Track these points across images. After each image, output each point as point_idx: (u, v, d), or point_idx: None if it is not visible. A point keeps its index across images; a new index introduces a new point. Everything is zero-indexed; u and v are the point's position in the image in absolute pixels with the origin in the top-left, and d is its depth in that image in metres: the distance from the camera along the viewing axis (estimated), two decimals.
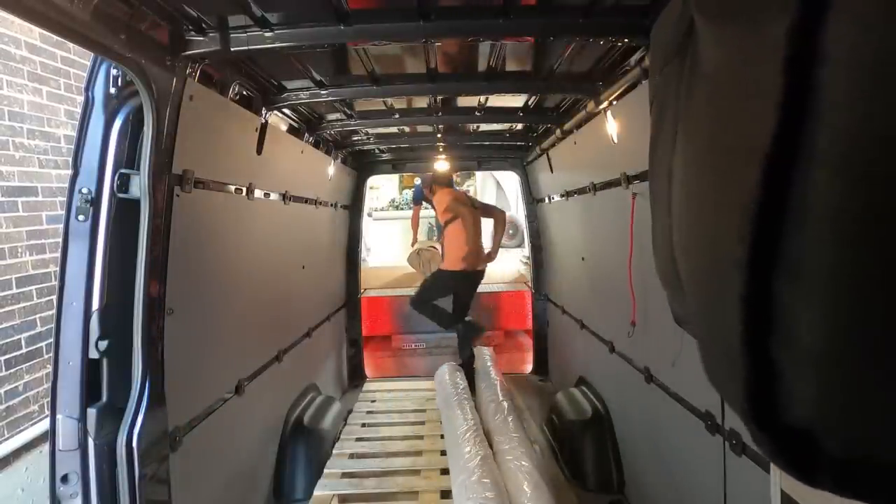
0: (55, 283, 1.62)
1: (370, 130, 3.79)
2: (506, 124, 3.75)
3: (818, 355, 0.61)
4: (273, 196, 2.82)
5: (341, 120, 3.30)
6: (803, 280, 0.61)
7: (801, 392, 0.64)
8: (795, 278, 0.62)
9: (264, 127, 2.47)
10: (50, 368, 1.59)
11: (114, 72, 1.59)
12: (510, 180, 8.71)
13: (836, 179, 0.56)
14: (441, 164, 5.04)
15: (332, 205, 4.14)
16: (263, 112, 2.47)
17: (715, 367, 0.84)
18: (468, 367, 4.20)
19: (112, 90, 1.61)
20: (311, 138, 3.30)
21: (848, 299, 0.58)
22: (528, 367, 5.11)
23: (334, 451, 3.13)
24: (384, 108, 3.10)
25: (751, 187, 0.63)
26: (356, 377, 4.84)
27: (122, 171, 1.62)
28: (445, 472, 2.82)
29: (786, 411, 0.66)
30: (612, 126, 2.46)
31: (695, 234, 0.85)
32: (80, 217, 1.58)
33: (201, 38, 1.73)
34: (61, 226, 1.60)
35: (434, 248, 5.19)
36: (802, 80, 0.58)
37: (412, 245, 6.23)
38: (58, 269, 1.60)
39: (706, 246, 0.80)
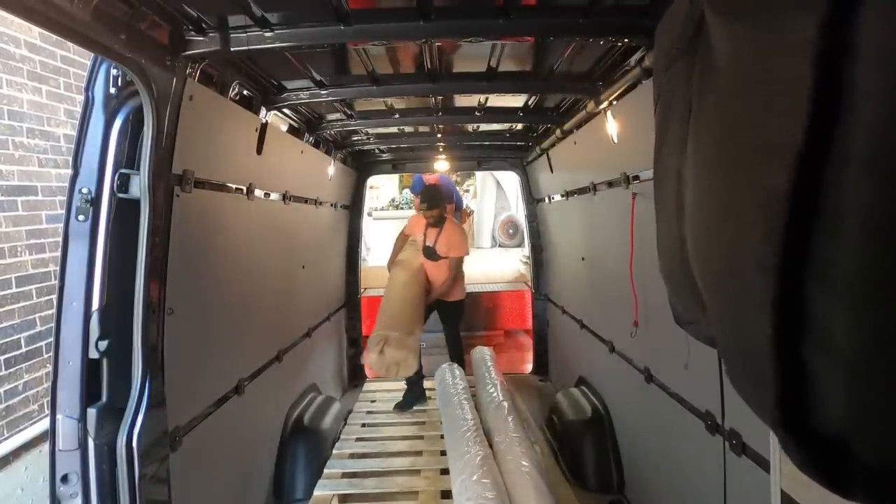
0: (55, 282, 1.62)
1: (370, 130, 3.79)
2: (506, 124, 3.75)
3: (853, 359, 0.58)
4: (273, 196, 2.82)
5: (341, 120, 3.30)
6: (836, 281, 0.59)
7: (834, 398, 0.61)
8: (828, 280, 0.59)
9: (264, 127, 2.47)
10: (50, 368, 1.59)
11: (114, 72, 1.59)
12: (510, 180, 8.71)
13: (871, 176, 0.54)
14: (441, 164, 5.04)
15: (332, 205, 4.14)
16: (263, 112, 2.46)
17: (738, 371, 0.81)
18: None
19: (112, 90, 1.61)
20: (311, 138, 3.30)
21: (884, 300, 0.55)
22: (528, 367, 5.11)
23: (334, 451, 3.13)
24: (384, 108, 3.10)
25: (778, 186, 0.61)
26: (356, 377, 4.84)
27: (122, 171, 1.62)
28: (445, 472, 2.82)
29: (817, 418, 0.63)
30: (612, 126, 2.46)
31: (713, 235, 0.83)
32: (80, 217, 1.58)
33: (201, 38, 1.73)
34: (61, 225, 1.60)
35: (407, 339, 3.34)
36: (832, 76, 0.56)
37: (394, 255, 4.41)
38: (58, 268, 1.60)
39: (726, 247, 0.77)
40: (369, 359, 3.27)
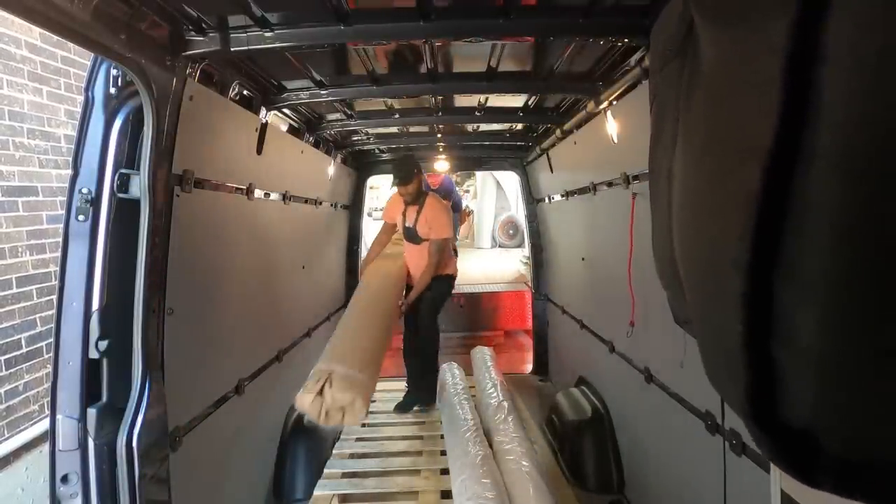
0: (55, 282, 1.62)
1: (370, 130, 3.79)
2: (506, 124, 3.75)
3: (817, 355, 0.61)
4: (273, 196, 2.82)
5: (341, 120, 3.30)
6: (802, 279, 0.61)
7: (800, 392, 0.64)
8: (794, 277, 0.61)
9: (264, 127, 2.47)
10: (50, 368, 1.59)
11: (114, 72, 1.59)
12: (510, 180, 8.71)
13: (836, 178, 0.56)
14: (441, 164, 5.04)
15: (332, 205, 4.14)
16: (263, 112, 2.47)
17: (715, 366, 0.84)
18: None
19: (112, 90, 1.61)
20: (311, 138, 3.30)
21: (847, 298, 0.57)
22: (528, 367, 5.11)
23: (334, 451, 3.13)
24: (384, 108, 3.10)
25: (750, 185, 0.63)
26: None
27: (122, 171, 1.62)
28: (445, 472, 2.81)
29: (786, 411, 0.66)
30: (612, 126, 2.46)
31: (694, 233, 0.85)
32: (80, 217, 1.58)
33: (201, 38, 1.73)
34: (61, 226, 1.60)
35: (358, 376, 2.49)
36: (802, 79, 0.58)
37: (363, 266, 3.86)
38: (58, 269, 1.60)
39: (705, 245, 0.79)
40: (302, 401, 2.38)
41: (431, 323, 3.62)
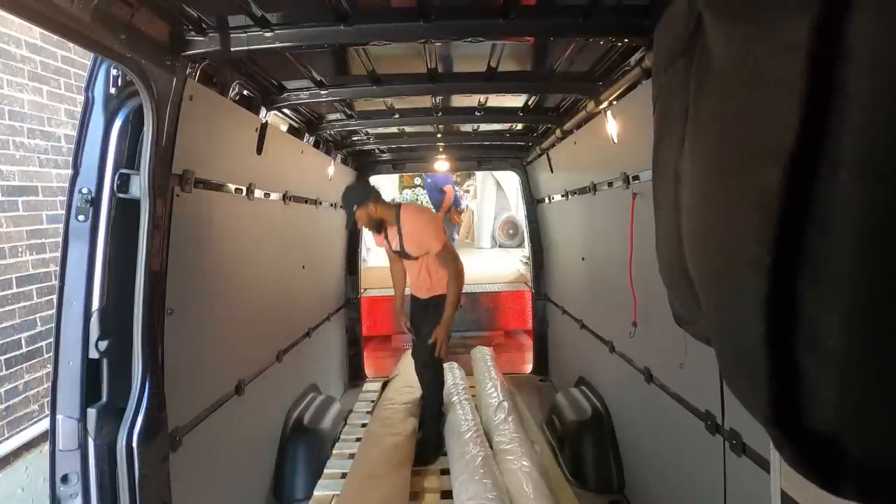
0: (55, 282, 1.62)
1: (370, 130, 3.79)
2: (506, 124, 3.75)
3: (842, 359, 0.59)
4: (273, 196, 2.82)
5: (341, 120, 3.30)
6: (827, 282, 0.59)
7: (825, 397, 0.62)
8: (819, 280, 0.60)
9: (264, 127, 2.47)
10: (50, 368, 1.59)
11: (114, 72, 1.60)
12: (510, 180, 8.72)
13: (861, 180, 0.55)
14: (441, 164, 5.04)
15: (332, 205, 4.14)
16: (263, 112, 2.47)
17: (732, 370, 0.82)
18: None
19: (112, 90, 1.61)
20: (311, 138, 3.30)
21: (873, 302, 0.56)
22: (528, 367, 5.11)
23: (334, 451, 3.13)
24: (384, 108, 3.10)
25: (771, 187, 0.62)
26: (356, 377, 4.84)
27: (122, 171, 1.62)
28: (445, 472, 2.82)
29: (809, 417, 0.64)
30: (612, 126, 2.46)
31: (708, 235, 0.83)
32: (80, 217, 1.59)
33: (201, 38, 1.73)
34: (61, 225, 1.60)
35: None
36: (825, 79, 0.57)
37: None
38: (58, 268, 1.61)
39: (721, 247, 0.78)
40: None
41: (430, 362, 3.00)
